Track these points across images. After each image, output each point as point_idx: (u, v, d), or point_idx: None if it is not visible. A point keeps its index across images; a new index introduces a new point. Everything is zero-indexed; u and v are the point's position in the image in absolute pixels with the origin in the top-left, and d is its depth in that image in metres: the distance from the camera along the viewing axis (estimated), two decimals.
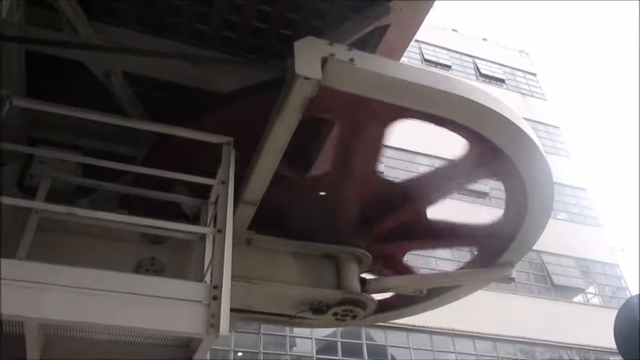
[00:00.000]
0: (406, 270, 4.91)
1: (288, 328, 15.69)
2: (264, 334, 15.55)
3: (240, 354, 15.29)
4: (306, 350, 16.40)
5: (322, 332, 16.48)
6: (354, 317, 4.19)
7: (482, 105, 3.45)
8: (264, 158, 3.57)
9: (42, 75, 4.26)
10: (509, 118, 3.55)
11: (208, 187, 3.77)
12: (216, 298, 2.68)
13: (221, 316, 2.61)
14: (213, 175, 3.64)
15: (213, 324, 2.60)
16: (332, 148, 4.16)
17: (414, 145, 20.69)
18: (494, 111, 3.48)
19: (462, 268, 5.04)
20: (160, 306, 2.58)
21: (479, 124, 3.54)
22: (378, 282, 4.39)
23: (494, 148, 3.65)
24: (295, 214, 4.28)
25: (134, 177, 4.07)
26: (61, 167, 3.85)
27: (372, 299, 4.12)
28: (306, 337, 16.33)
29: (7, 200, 2.92)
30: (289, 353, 16.03)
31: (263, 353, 15.36)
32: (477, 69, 28.04)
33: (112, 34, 3.99)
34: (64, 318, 2.45)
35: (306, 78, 3.14)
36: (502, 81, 28.31)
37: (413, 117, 3.61)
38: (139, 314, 2.53)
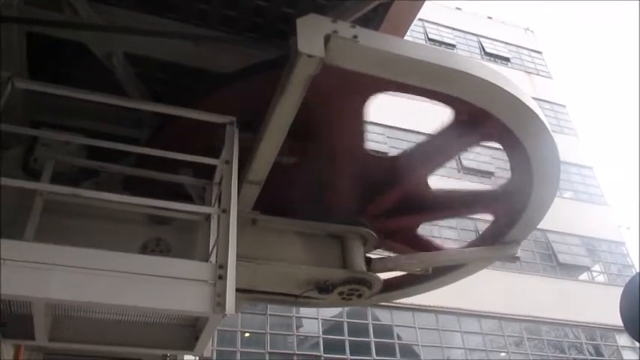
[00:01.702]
0: (422, 242, 4.90)
1: (294, 309, 15.79)
2: (270, 315, 15.65)
3: (247, 335, 15.42)
4: (313, 331, 16.52)
5: (328, 313, 16.59)
6: (359, 296, 4.21)
7: (489, 82, 3.41)
8: (268, 137, 3.55)
9: (43, 57, 4.24)
10: (516, 95, 3.52)
11: (213, 168, 3.76)
12: (222, 278, 2.68)
13: (227, 295, 2.62)
14: (217, 156, 3.63)
15: (219, 303, 2.61)
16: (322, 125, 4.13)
17: (421, 126, 20.59)
18: (501, 87, 3.44)
19: (467, 247, 5.05)
20: (166, 285, 2.59)
21: (485, 100, 3.51)
22: (383, 261, 4.39)
23: (500, 125, 3.62)
24: (298, 193, 4.28)
25: (138, 159, 4.07)
26: (64, 150, 3.85)
27: (378, 278, 4.13)
28: (313, 318, 16.43)
29: (13, 182, 2.92)
30: (296, 334, 16.15)
31: (270, 334, 15.49)
32: (482, 47, 27.76)
33: (112, 15, 3.95)
34: (70, 298, 2.46)
35: (309, 56, 3.11)
36: (507, 59, 28.03)
37: (414, 93, 3.58)
38: (146, 294, 2.54)
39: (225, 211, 3.00)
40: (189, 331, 3.07)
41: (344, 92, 3.60)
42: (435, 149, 4.12)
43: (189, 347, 3.03)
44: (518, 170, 4.02)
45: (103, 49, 4.06)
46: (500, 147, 3.97)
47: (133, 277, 2.54)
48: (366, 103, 3.75)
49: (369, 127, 4.08)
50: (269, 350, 15.22)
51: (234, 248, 2.81)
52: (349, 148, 3.99)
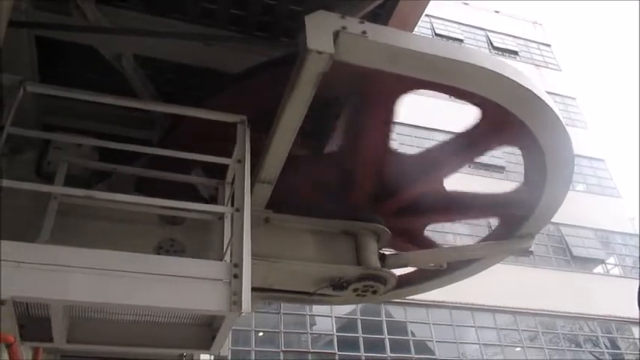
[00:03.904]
0: (428, 243, 4.89)
1: (307, 307, 15.81)
2: (284, 313, 15.69)
3: (261, 334, 15.47)
4: (327, 329, 16.53)
5: (342, 310, 16.59)
6: (374, 292, 4.19)
7: (500, 74, 3.39)
8: (279, 136, 3.55)
9: (53, 61, 4.26)
10: (528, 87, 3.49)
11: (225, 167, 3.77)
12: (237, 277, 2.68)
13: (242, 293, 2.62)
14: (230, 156, 3.64)
15: (235, 301, 2.61)
16: (344, 123, 4.13)
17: (431, 122, 20.54)
18: (513, 80, 3.42)
19: (480, 242, 5.02)
20: (182, 285, 2.59)
21: (496, 93, 3.48)
22: (397, 257, 4.37)
23: (513, 119, 3.60)
24: (312, 191, 4.28)
25: (149, 160, 4.08)
26: (77, 152, 3.87)
27: (392, 274, 4.11)
28: (326, 316, 16.45)
29: (27, 185, 2.95)
30: (310, 332, 16.17)
31: (284, 333, 15.52)
32: (490, 42, 27.62)
33: (120, 17, 3.96)
34: (88, 299, 2.47)
35: (319, 52, 3.10)
36: (515, 53, 27.88)
37: (427, 88, 3.56)
38: (162, 294, 2.54)
39: (239, 210, 3.00)
40: (206, 330, 3.07)
41: (369, 90, 3.59)
42: (456, 151, 4.11)
43: (206, 346, 3.03)
44: (532, 163, 3.99)
45: (113, 51, 4.08)
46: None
47: (149, 278, 2.55)
48: (393, 103, 3.75)
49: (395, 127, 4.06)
50: (283, 349, 15.26)
51: (249, 247, 2.81)
52: (373, 146, 3.98)
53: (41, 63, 4.13)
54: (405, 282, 5.23)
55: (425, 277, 5.35)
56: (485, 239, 4.94)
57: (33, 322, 2.81)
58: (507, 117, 3.61)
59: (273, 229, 4.02)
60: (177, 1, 4.02)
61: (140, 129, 4.71)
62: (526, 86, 3.48)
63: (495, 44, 27.57)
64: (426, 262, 4.67)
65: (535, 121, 3.63)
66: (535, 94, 3.50)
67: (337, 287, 4.02)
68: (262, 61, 3.93)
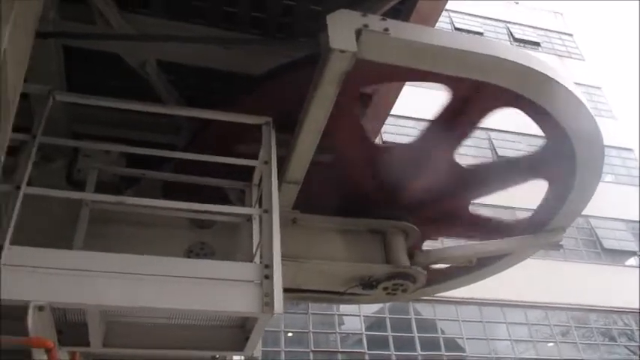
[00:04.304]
0: (477, 220, 4.80)
1: (335, 307, 15.82)
2: (312, 313, 15.71)
3: (290, 335, 15.51)
4: (355, 328, 16.51)
5: (370, 309, 16.55)
6: (404, 291, 4.17)
7: (527, 67, 3.34)
8: (304, 136, 3.56)
9: (78, 70, 4.32)
10: (555, 78, 3.44)
11: (251, 169, 3.78)
12: (268, 277, 2.70)
13: (274, 294, 2.63)
14: (256, 157, 3.65)
15: (267, 303, 2.62)
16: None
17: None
18: (540, 72, 3.37)
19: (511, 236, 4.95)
20: (214, 287, 2.61)
21: (523, 86, 3.43)
22: (426, 254, 4.35)
23: (541, 111, 3.54)
24: (336, 190, 4.26)
25: (176, 165, 4.12)
26: (105, 159, 3.94)
27: (422, 272, 4.08)
28: (355, 315, 16.42)
29: (60, 193, 3.00)
30: (338, 332, 16.16)
31: (313, 333, 15.54)
32: (511, 34, 27.28)
33: (142, 24, 4.00)
34: (124, 304, 2.50)
35: (342, 51, 3.10)
36: (537, 44, 27.48)
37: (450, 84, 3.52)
38: (195, 296, 2.57)
39: (268, 212, 3.02)
40: (239, 331, 3.09)
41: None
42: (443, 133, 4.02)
43: (240, 348, 3.05)
44: (560, 154, 3.92)
45: (137, 58, 4.12)
46: (540, 132, 3.88)
47: (182, 281, 2.58)
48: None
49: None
50: (313, 349, 15.28)
51: (279, 248, 2.82)
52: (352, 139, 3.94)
53: (67, 72, 4.20)
54: (434, 279, 5.19)
55: (454, 274, 5.30)
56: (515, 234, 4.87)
57: (70, 327, 2.86)
58: (539, 114, 3.55)
59: (301, 230, 4.03)
60: (197, 6, 4.05)
61: (166, 134, 4.76)
62: (552, 76, 3.43)
63: (516, 36, 27.22)
64: (455, 259, 4.63)
65: (562, 111, 3.57)
66: (560, 84, 3.45)
67: (367, 286, 4.01)
68: (284, 62, 3.94)
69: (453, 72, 3.39)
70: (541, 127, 3.76)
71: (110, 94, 3.76)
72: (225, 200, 4.30)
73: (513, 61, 3.33)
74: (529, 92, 3.45)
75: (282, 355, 14.76)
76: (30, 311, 2.38)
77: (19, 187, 2.75)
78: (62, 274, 2.47)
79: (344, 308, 16.26)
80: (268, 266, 2.74)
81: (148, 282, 2.52)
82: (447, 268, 5.26)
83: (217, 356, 4.92)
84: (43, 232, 3.25)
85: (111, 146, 3.80)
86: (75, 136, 4.27)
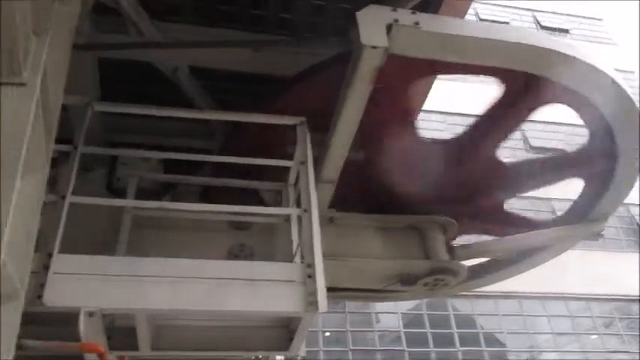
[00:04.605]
0: (514, 219, 4.75)
1: (371, 305, 15.75)
2: (349, 312, 15.67)
3: (327, 334, 15.51)
4: (391, 326, 16.40)
5: (406, 306, 16.40)
6: (444, 286, 4.13)
7: (563, 53, 3.28)
8: (338, 134, 3.55)
9: (112, 81, 4.40)
10: (592, 63, 3.38)
11: (286, 170, 3.80)
12: (311, 277, 2.70)
13: (318, 293, 2.64)
14: (290, 158, 3.66)
15: (311, 302, 2.63)
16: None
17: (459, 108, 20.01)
18: (576, 58, 3.31)
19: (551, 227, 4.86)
20: (258, 288, 2.63)
21: (560, 73, 3.37)
22: (466, 248, 4.30)
23: (585, 103, 3.48)
24: (372, 188, 4.25)
25: (212, 170, 4.17)
26: (144, 167, 4.01)
27: (462, 266, 4.04)
28: (392, 312, 16.31)
29: (103, 201, 3.07)
30: (376, 330, 16.08)
31: (350, 332, 15.49)
32: (538, 22, 26.74)
33: (173, 31, 4.05)
34: (170, 307, 2.54)
35: (373, 47, 3.09)
36: (566, 31, 26.86)
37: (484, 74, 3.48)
38: (240, 298, 2.59)
39: (307, 211, 3.02)
40: (283, 331, 3.10)
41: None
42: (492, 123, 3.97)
43: (284, 347, 3.06)
44: (602, 147, 3.84)
45: (169, 65, 4.18)
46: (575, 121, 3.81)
47: (227, 283, 2.60)
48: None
49: (428, 116, 4.00)
50: (351, 348, 15.24)
51: (320, 247, 2.82)
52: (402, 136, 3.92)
53: (102, 82, 4.28)
54: (474, 274, 5.12)
55: (494, 268, 5.22)
56: (555, 224, 4.78)
57: (118, 332, 2.92)
58: (578, 102, 3.49)
59: (338, 229, 4.02)
60: (225, 11, 4.09)
61: (200, 140, 4.81)
62: (590, 62, 3.36)
63: (544, 24, 26.66)
64: (495, 252, 4.57)
65: (599, 96, 3.50)
66: (596, 68, 3.38)
67: (407, 282, 3.98)
68: (314, 62, 3.94)
69: (488, 62, 3.35)
70: (585, 119, 3.69)
71: (144, 103, 3.82)
72: (260, 203, 4.32)
73: (547, 48, 3.27)
74: (567, 79, 3.38)
75: (321, 355, 14.75)
76: (81, 317, 2.43)
77: (64, 197, 2.81)
78: (111, 280, 2.52)
79: (380, 306, 16.17)
80: (310, 265, 2.75)
81: (194, 285, 2.56)
82: (486, 262, 5.19)
83: (260, 357, 4.97)
84: (85, 240, 3.31)
85: (149, 153, 3.85)
86: (111, 146, 4.35)
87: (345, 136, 3.55)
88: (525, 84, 3.51)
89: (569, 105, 3.65)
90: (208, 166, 4.28)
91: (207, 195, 4.22)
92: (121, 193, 3.97)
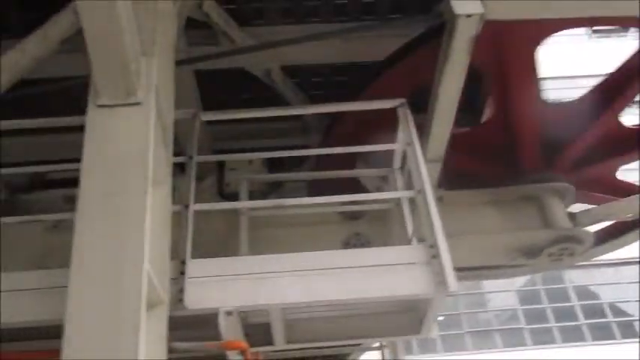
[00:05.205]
0: (624, 187, 4.46)
1: (483, 284, 15.34)
2: (461, 294, 15.36)
3: (441, 318, 15.30)
4: (501, 305, 15.90)
5: (518, 283, 15.82)
6: (570, 255, 3.92)
7: None
8: (440, 111, 3.46)
9: (208, 91, 4.57)
10: None
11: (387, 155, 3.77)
12: (436, 257, 2.66)
13: (446, 272, 2.59)
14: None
15: (440, 282, 2.58)
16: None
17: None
18: None
19: None
20: (384, 274, 2.62)
21: None
22: (589, 213, 4.05)
23: None
24: (480, 163, 4.11)
25: (313, 166, 4.22)
26: (250, 169, 4.14)
27: (588, 232, 3.82)
28: (505, 290, 15.79)
29: (223, 205, 3.22)
30: (491, 310, 15.66)
31: (464, 314, 15.20)
32: None
33: (261, 34, 4.14)
34: (303, 300, 2.59)
35: (468, 16, 2.99)
36: None
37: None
38: (368, 285, 2.59)
39: (421, 192, 2.98)
40: (413, 316, 3.08)
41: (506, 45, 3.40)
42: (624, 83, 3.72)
43: (416, 331, 3.04)
44: None
45: (261, 67, 4.28)
46: None
47: (354, 271, 2.61)
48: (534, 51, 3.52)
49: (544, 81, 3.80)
50: (468, 330, 14.95)
51: (440, 225, 2.77)
52: (526, 101, 3.75)
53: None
54: (596, 240, 4.83)
55: (618, 232, 4.89)
56: None
57: (252, 328, 3.02)
58: None
59: (449, 208, 3.90)
60: (309, 6, 4.12)
61: (297, 137, 4.90)
62: None
63: None
64: (620, 214, 4.28)
65: None
66: None
67: (530, 255, 3.82)
68: (403, 43, 3.88)
69: (585, 13, 3.18)
70: None
71: (241, 108, 3.94)
72: (364, 191, 4.32)
73: None
74: None
75: (438, 340, 14.57)
76: (220, 317, 2.54)
77: (187, 206, 2.95)
78: (243, 279, 2.61)
79: (490, 285, 15.72)
80: (433, 246, 2.70)
81: (323, 276, 2.59)
82: (608, 226, 4.87)
83: (385, 344, 5.00)
84: (207, 245, 3.46)
85: (253, 155, 3.96)
86: (216, 154, 4.52)
87: (447, 111, 3.46)
88: None
89: None
90: (309, 163, 4.35)
91: (312, 190, 4.28)
92: (231, 198, 4.13)
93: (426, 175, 3.03)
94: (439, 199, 3.94)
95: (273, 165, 4.39)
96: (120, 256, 1.92)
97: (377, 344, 5.07)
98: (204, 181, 4.17)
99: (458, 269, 4.24)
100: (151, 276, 2.06)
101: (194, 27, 3.98)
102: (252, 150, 4.18)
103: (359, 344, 4.31)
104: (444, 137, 3.62)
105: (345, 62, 4.46)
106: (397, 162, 3.73)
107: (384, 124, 3.74)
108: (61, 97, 4.38)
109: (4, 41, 3.71)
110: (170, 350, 2.32)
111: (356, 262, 2.65)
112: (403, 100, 3.44)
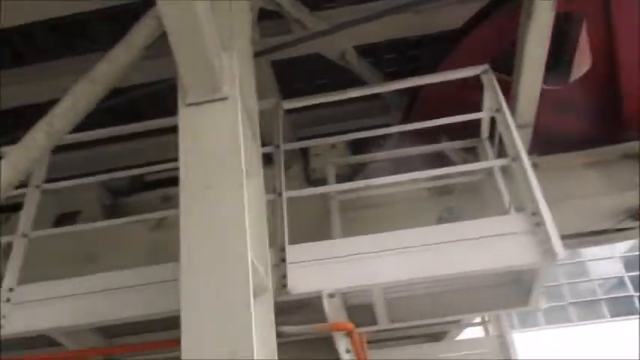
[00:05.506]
0: None
1: (582, 253, 14.59)
2: (561, 264, 14.73)
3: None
4: (605, 273, 15.07)
5: (618, 249, 14.93)
6: None
7: None
8: (527, 73, 3.30)
9: (285, 79, 4.60)
10: None
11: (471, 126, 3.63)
12: (540, 225, 2.54)
13: (552, 240, 2.47)
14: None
15: (546, 250, 2.47)
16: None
17: None
18: None
19: None
20: (487, 246, 2.54)
21: None
22: None
23: None
24: (575, 123, 3.89)
25: (397, 144, 4.16)
26: (333, 154, 4.15)
27: None
28: (607, 258, 14.96)
29: (314, 190, 3.26)
30: (595, 279, 14.88)
31: (567, 284, 14.54)
32: None
33: (333, 17, 4.10)
34: (407, 277, 2.56)
35: None
36: None
37: None
38: (472, 258, 2.52)
39: (516, 159, 2.86)
40: (517, 288, 2.98)
41: None
42: None
43: (524, 303, 2.93)
44: None
45: (336, 50, 4.26)
46: None
47: (454, 245, 2.55)
48: None
49: None
50: (571, 301, 14.32)
51: (540, 192, 2.64)
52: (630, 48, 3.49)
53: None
54: None
55: None
56: None
57: (353, 309, 3.04)
58: None
59: (545, 174, 3.72)
60: None
61: (377, 117, 4.85)
62: None
63: None
64: None
65: None
66: None
67: (638, 216, 3.58)
68: (479, 9, 3.72)
69: None
70: None
71: (319, 93, 3.93)
72: (450, 165, 4.21)
73: None
74: None
75: (540, 314, 14.04)
76: (324, 300, 2.56)
77: (280, 194, 3.00)
78: (341, 262, 2.62)
79: (587, 254, 14.93)
80: (535, 214, 2.58)
81: (423, 252, 2.54)
82: None
83: (487, 319, 4.88)
84: (300, 230, 3.50)
85: (334, 139, 3.94)
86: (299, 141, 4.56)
87: (535, 72, 3.29)
88: None
89: None
90: (392, 141, 4.28)
91: (398, 169, 4.22)
92: (318, 183, 4.15)
93: (519, 141, 2.89)
94: (534, 166, 3.79)
95: (357, 147, 4.37)
96: (225, 248, 1.96)
97: (478, 320, 4.96)
98: (291, 169, 4.21)
99: (562, 237, 4.11)
100: (256, 265, 2.10)
101: (266, 18, 4.03)
102: (334, 134, 4.20)
103: (459, 320, 4.21)
104: (534, 100, 3.46)
105: (417, 35, 4.35)
106: (485, 131, 3.59)
107: (465, 95, 3.62)
108: (148, 102, 4.61)
109: (91, 54, 3.95)
110: (278, 335, 2.36)
111: (456, 235, 2.58)
112: (487, 67, 3.30)
